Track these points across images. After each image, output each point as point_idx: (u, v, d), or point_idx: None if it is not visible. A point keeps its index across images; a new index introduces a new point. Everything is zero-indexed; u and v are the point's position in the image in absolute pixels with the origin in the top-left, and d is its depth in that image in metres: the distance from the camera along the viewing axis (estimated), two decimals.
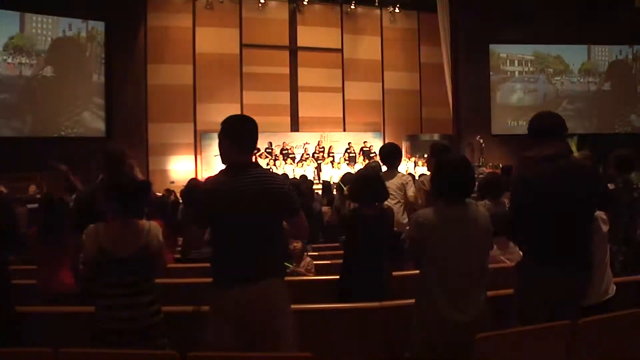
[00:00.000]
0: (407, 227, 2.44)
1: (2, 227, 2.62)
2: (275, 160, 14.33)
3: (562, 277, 2.43)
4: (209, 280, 2.91)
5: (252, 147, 2.43)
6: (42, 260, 3.40)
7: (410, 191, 4.36)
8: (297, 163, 14.48)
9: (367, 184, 3.25)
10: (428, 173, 4.50)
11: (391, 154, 4.59)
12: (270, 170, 2.74)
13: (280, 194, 2.32)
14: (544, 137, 2.52)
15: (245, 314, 2.23)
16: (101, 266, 2.39)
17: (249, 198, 2.24)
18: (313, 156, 14.89)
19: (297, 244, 3.99)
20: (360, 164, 14.42)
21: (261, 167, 2.48)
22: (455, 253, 2.28)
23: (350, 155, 15.16)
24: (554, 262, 2.45)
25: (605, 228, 2.86)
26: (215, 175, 2.37)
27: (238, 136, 2.36)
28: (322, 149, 15.18)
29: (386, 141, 16.40)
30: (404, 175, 4.59)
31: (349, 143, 15.51)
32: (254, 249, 2.27)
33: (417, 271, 2.50)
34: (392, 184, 4.22)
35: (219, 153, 2.41)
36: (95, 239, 2.39)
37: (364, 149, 15.37)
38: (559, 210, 2.43)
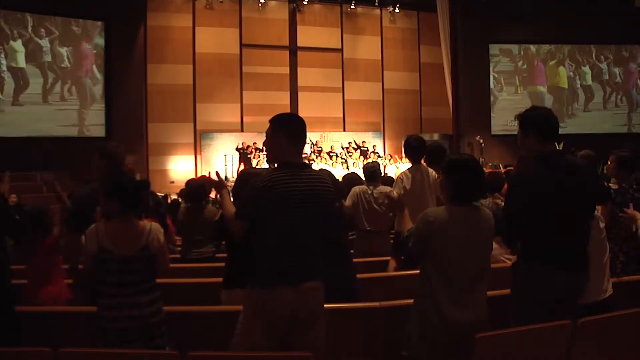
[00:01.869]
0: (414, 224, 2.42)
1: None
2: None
3: (557, 277, 2.43)
4: (208, 280, 2.90)
5: (304, 146, 2.45)
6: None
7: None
8: None
9: None
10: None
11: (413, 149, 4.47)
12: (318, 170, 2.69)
13: (330, 196, 2.33)
14: (545, 136, 2.51)
15: (291, 313, 2.21)
16: (102, 265, 2.39)
17: (304, 199, 2.23)
18: (312, 153, 14.88)
19: None
20: (359, 162, 14.46)
21: (312, 167, 2.49)
22: (462, 253, 2.28)
23: (349, 154, 15.16)
24: (550, 262, 2.44)
25: (602, 225, 2.86)
26: (268, 172, 2.31)
27: (296, 135, 2.35)
28: (320, 149, 15.16)
29: (386, 141, 16.48)
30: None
31: (349, 142, 15.54)
32: (306, 250, 2.27)
33: (417, 271, 2.50)
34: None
35: (266, 149, 2.40)
36: (95, 238, 2.39)
37: (362, 148, 15.39)
38: (555, 209, 2.43)
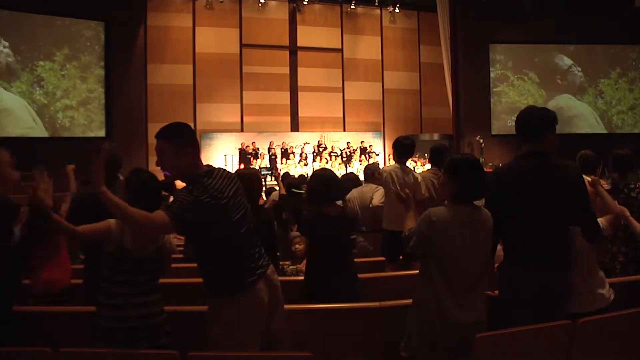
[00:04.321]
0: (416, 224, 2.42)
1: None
2: (277, 158, 14.36)
3: (537, 277, 2.41)
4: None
5: None
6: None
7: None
8: (298, 162, 14.49)
9: (325, 184, 3.20)
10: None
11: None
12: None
13: None
14: (525, 137, 2.52)
15: (269, 302, 2.31)
16: (115, 263, 2.38)
17: (240, 196, 2.32)
18: (313, 153, 14.89)
19: (300, 246, 3.98)
20: (357, 162, 14.47)
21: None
22: (464, 253, 2.28)
23: (349, 154, 15.16)
24: (528, 262, 2.44)
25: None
26: (208, 181, 2.18)
27: (197, 144, 2.35)
28: (324, 148, 15.14)
29: (386, 141, 16.46)
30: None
31: (347, 142, 15.54)
32: (256, 242, 2.38)
33: (417, 271, 2.50)
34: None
35: (168, 166, 2.23)
36: (120, 237, 2.37)
37: (362, 148, 15.39)
38: (530, 208, 2.43)
